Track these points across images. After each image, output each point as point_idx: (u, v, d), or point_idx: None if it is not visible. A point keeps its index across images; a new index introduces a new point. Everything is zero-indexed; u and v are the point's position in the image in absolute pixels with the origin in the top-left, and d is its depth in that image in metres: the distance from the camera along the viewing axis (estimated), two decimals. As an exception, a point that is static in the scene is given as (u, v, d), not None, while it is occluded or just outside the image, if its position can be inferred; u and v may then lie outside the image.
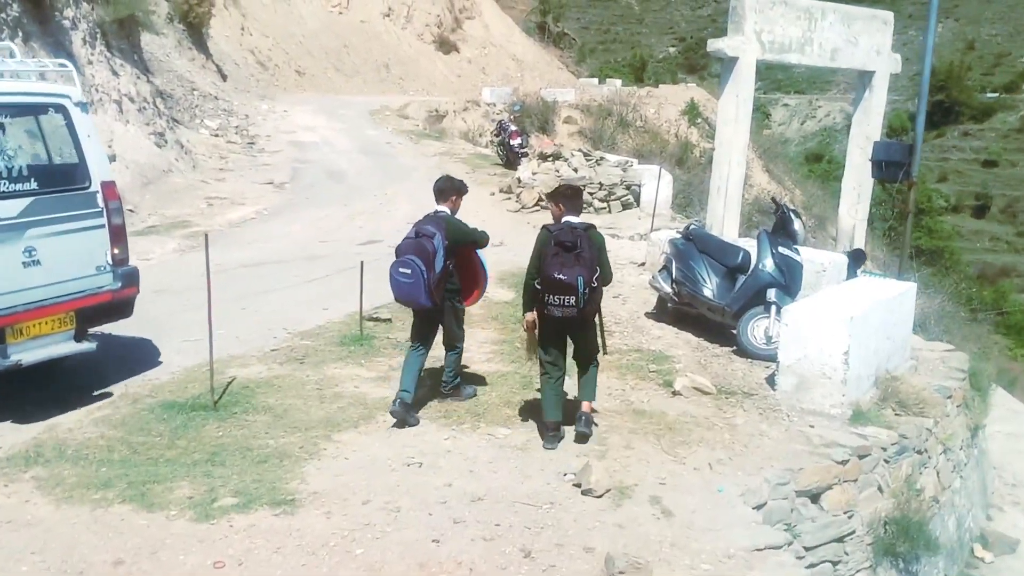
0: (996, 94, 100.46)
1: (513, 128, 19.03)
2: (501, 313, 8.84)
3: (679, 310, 8.65)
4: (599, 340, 5.89)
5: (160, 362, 7.14)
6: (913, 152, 8.85)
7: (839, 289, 7.74)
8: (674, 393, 6.76)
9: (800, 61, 9.80)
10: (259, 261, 11.17)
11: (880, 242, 42.78)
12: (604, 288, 5.75)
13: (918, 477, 6.76)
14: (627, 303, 9.39)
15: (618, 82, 48.12)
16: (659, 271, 8.85)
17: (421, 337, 6.15)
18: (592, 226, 5.68)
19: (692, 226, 8.96)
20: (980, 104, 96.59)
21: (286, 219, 14.23)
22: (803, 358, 6.65)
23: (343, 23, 48.18)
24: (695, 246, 8.51)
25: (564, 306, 5.40)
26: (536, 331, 5.73)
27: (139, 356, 7.20)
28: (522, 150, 18.72)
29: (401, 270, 5.77)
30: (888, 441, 6.32)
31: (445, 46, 51.45)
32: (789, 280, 7.81)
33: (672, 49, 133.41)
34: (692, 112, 39.79)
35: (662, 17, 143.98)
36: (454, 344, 6.34)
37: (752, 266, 8.05)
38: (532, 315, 5.67)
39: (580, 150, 16.29)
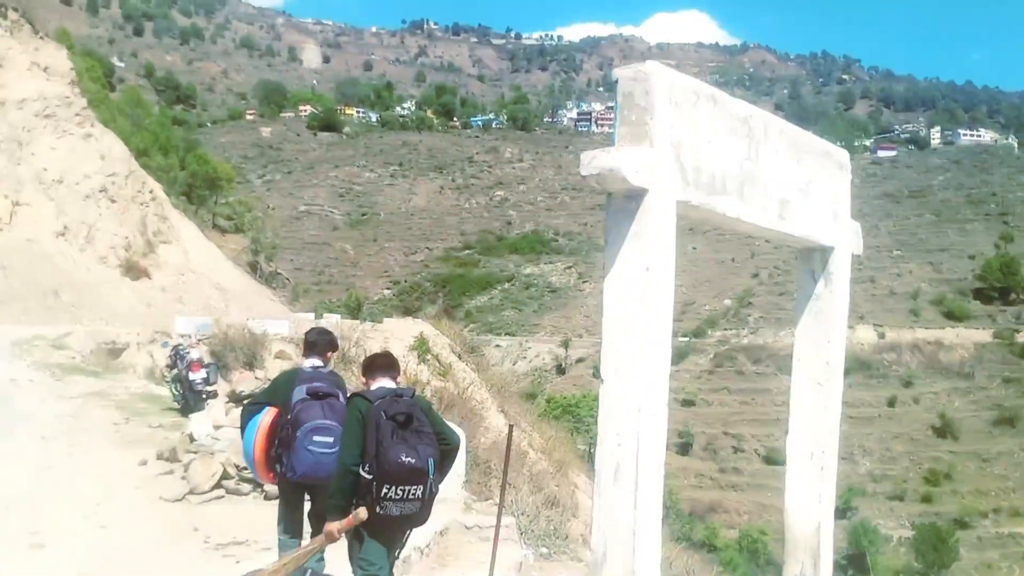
0: (687, 338, 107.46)
1: (194, 357, 12.84)
2: None
3: None
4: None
5: None
6: None
7: None
8: None
9: (739, 215, 4.77)
10: None
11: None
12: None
13: None
14: None
15: (336, 316, 43.84)
16: None
17: (297, 525, 5.20)
18: (413, 390, 4.31)
19: None
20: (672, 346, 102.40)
21: None
22: None
23: (2, 241, 39.70)
24: None
25: (407, 500, 3.99)
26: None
27: None
28: (208, 387, 12.58)
29: (320, 439, 4.78)
30: None
31: (134, 272, 44.01)
32: None
33: (387, 292, 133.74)
34: (422, 347, 35.91)
35: (376, 261, 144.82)
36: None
37: None
38: (364, 511, 4.03)
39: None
